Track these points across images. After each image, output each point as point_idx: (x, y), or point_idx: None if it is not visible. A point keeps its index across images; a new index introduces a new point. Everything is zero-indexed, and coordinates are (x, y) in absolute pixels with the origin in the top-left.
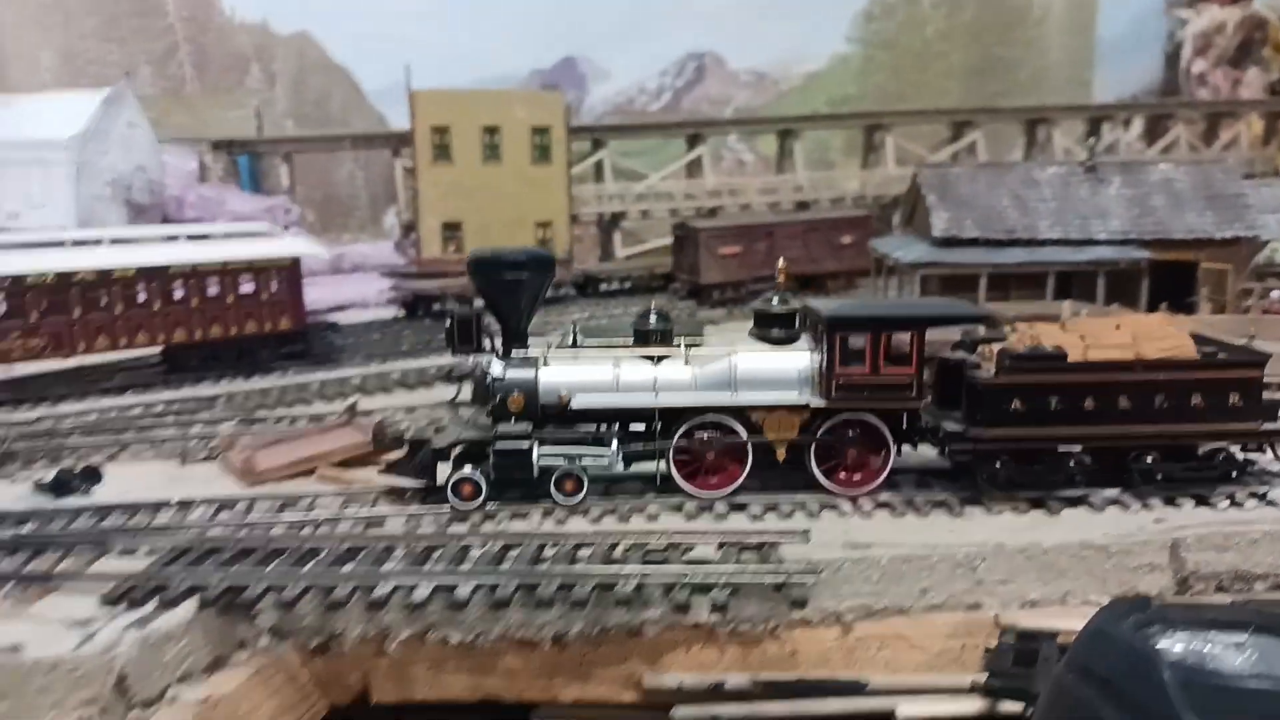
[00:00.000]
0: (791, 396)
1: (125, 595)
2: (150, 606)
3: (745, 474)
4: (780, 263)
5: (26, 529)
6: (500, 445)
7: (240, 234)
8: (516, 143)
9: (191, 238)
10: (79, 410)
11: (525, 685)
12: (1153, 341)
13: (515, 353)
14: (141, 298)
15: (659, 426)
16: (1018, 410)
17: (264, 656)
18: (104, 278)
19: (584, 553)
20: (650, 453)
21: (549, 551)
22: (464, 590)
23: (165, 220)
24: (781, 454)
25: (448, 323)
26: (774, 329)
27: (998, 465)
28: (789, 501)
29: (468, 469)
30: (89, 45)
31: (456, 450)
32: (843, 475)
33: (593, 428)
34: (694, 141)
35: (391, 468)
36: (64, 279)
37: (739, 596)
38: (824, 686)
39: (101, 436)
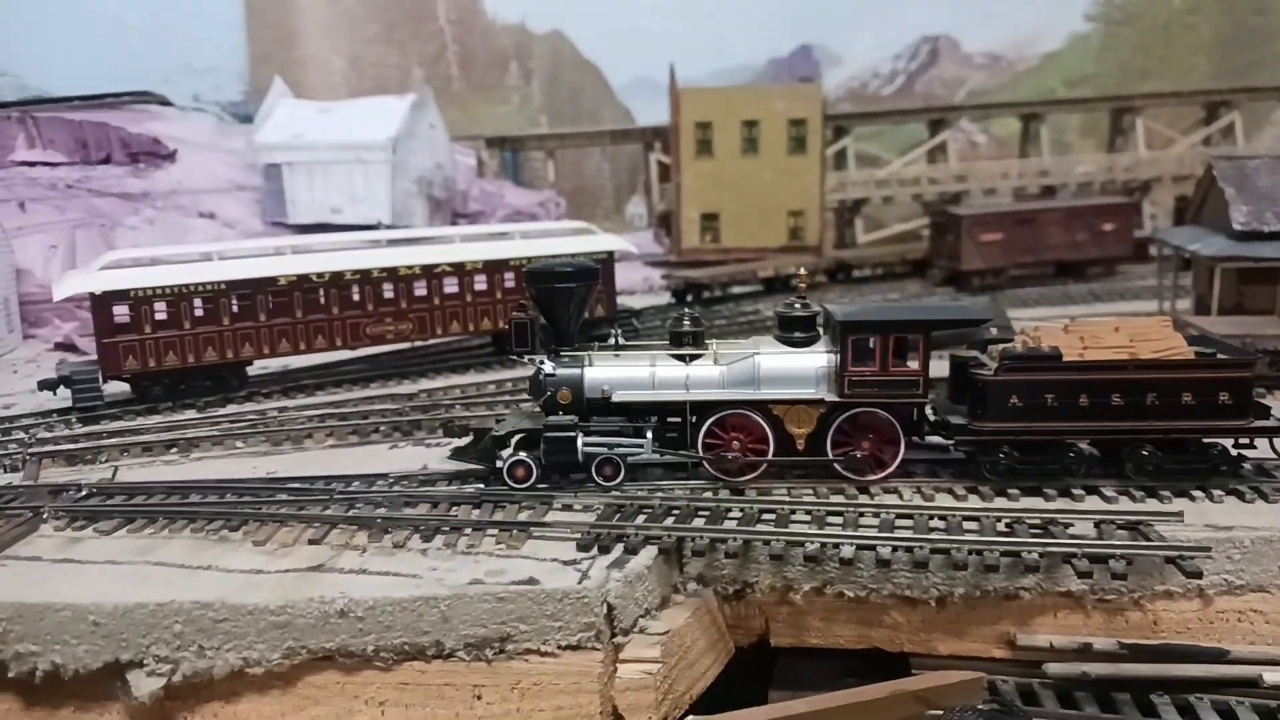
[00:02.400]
0: (809, 392)
1: (594, 542)
2: (617, 552)
3: (767, 464)
4: (801, 270)
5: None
6: (549, 434)
7: (562, 231)
8: (774, 135)
9: (524, 235)
10: (440, 386)
11: (907, 638)
12: (1148, 343)
13: (564, 353)
14: (483, 288)
15: (692, 420)
16: (1016, 405)
17: (694, 600)
18: (457, 269)
19: (970, 525)
20: (682, 443)
21: (936, 523)
22: (883, 551)
23: (454, 214)
24: (801, 445)
25: (506, 327)
26: (795, 331)
27: (1000, 456)
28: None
29: (522, 453)
30: (372, 50)
31: (516, 439)
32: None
33: (632, 419)
34: (936, 126)
35: (458, 453)
36: (427, 270)
37: (1133, 568)
38: (1187, 652)
39: (480, 409)
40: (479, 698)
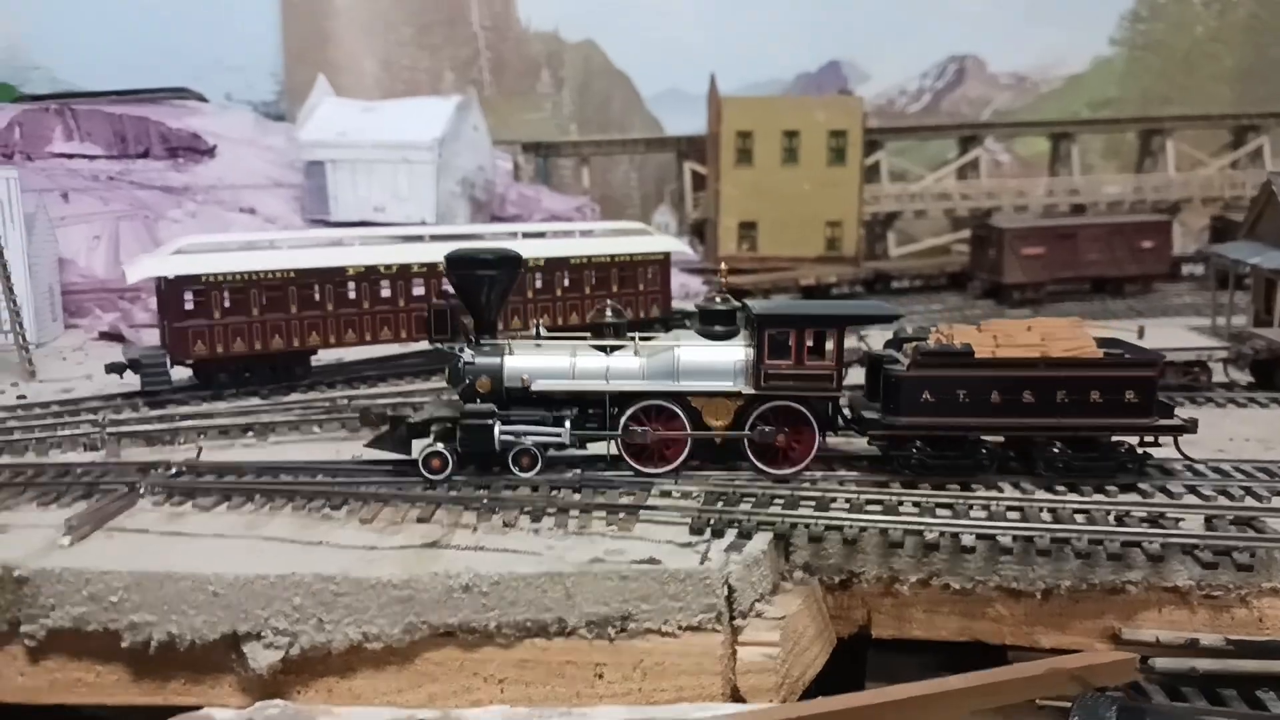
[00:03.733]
0: (726, 385)
1: (707, 526)
2: (730, 537)
3: (685, 456)
4: (722, 265)
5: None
6: (465, 422)
7: (619, 231)
8: (814, 146)
9: (583, 233)
10: None
11: (1009, 631)
12: (1059, 342)
13: (484, 341)
14: (538, 284)
15: (613, 411)
16: (928, 401)
17: (802, 588)
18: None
19: (1080, 518)
20: (601, 434)
21: (1045, 515)
22: (1004, 540)
23: (493, 217)
24: (719, 438)
25: (426, 315)
26: (716, 325)
27: (913, 451)
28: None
29: (438, 445)
30: (405, 53)
31: (435, 428)
32: (771, 457)
33: (552, 411)
34: (967, 143)
35: (374, 442)
36: None
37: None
38: None
39: None
40: (600, 676)
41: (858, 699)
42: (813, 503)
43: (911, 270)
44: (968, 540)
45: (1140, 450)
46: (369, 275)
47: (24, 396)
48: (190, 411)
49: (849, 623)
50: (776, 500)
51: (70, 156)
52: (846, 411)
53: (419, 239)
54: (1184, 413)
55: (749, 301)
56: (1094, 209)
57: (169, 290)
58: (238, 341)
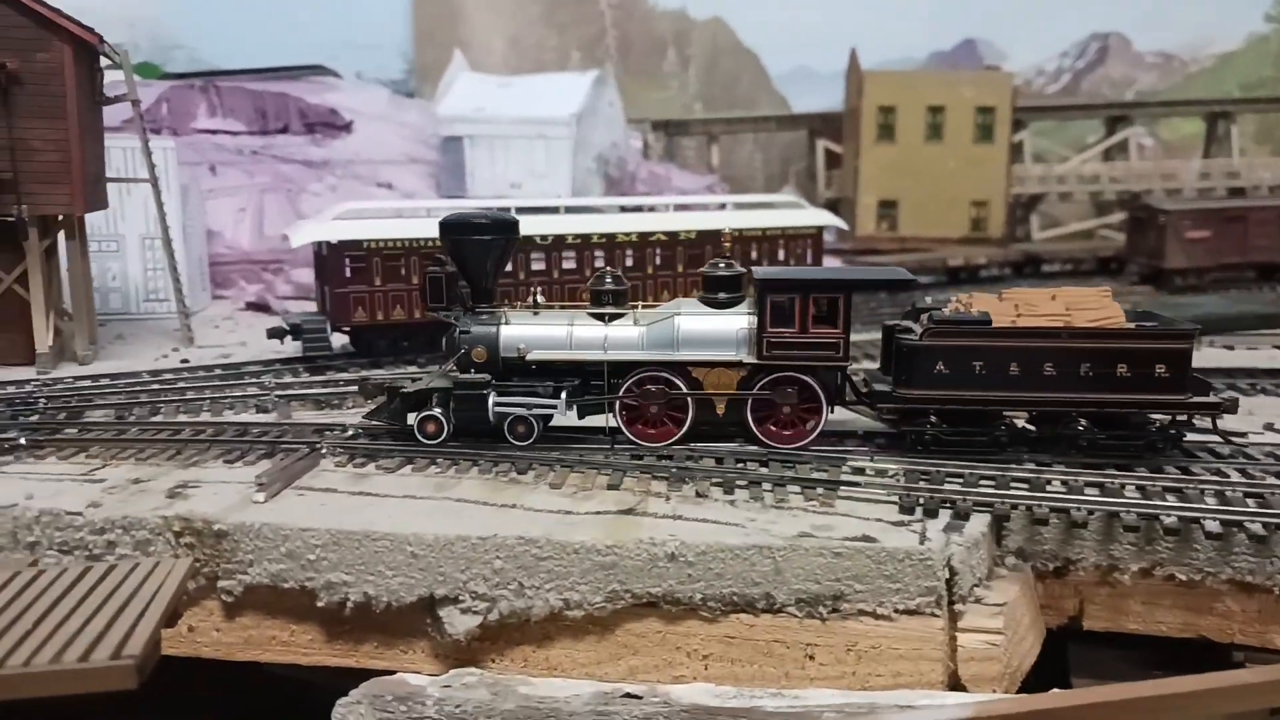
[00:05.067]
0: (728, 354)
1: (918, 505)
2: (944, 518)
3: (686, 428)
4: (725, 229)
5: None
6: (459, 392)
7: (775, 204)
8: (960, 122)
9: (738, 206)
10: None
11: (1239, 629)
12: (1085, 312)
13: (481, 310)
14: (690, 258)
15: (612, 382)
16: (942, 373)
17: (1017, 574)
18: (672, 238)
19: None
20: (600, 405)
21: None
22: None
23: (623, 194)
24: (721, 409)
25: (422, 283)
26: (718, 292)
27: (926, 425)
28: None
29: (436, 410)
30: (533, 31)
31: (429, 398)
32: (775, 430)
33: (551, 381)
34: (1114, 124)
35: (373, 414)
36: (643, 237)
37: None
38: None
39: None
40: (811, 658)
41: (1090, 695)
42: (1025, 484)
43: (1062, 253)
44: (1212, 527)
45: (1172, 430)
46: (524, 246)
47: (186, 360)
48: (351, 378)
49: (1059, 613)
50: (984, 481)
51: (214, 132)
52: (861, 384)
53: (577, 210)
54: None
55: (757, 269)
56: (1254, 193)
57: (330, 256)
58: (397, 309)
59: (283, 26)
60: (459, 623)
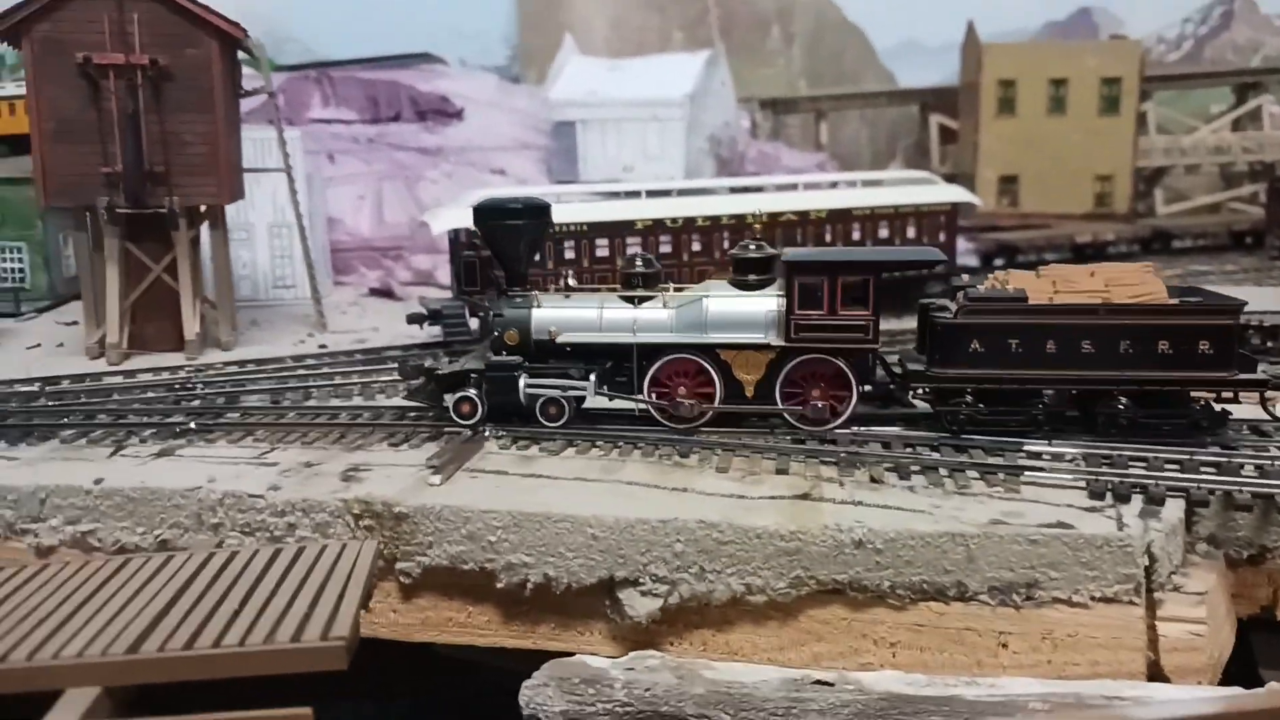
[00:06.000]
0: (757, 337)
1: (1108, 490)
2: (1137, 503)
3: (715, 410)
4: (756, 210)
5: None
6: (490, 374)
7: (907, 180)
8: (1084, 94)
9: (865, 183)
10: None
11: None
12: (1125, 288)
13: (513, 293)
14: (828, 237)
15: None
16: (977, 351)
17: (1210, 561)
18: (803, 217)
19: None
20: (629, 387)
21: None
22: None
23: (733, 175)
24: (750, 391)
25: (456, 267)
26: (748, 274)
27: (963, 405)
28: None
29: (470, 390)
30: (635, 13)
31: (463, 379)
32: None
33: (582, 363)
34: (1244, 92)
35: (413, 395)
36: (773, 218)
37: None
38: None
39: None
40: (1004, 646)
41: None
42: (1214, 468)
43: (1194, 228)
44: None
45: (1219, 407)
46: (655, 230)
47: (324, 346)
48: None
49: (1251, 602)
50: (1169, 465)
51: (329, 122)
52: (895, 365)
53: (705, 192)
54: None
55: (787, 250)
56: None
57: (468, 242)
58: None
59: (388, 15)
60: (639, 605)
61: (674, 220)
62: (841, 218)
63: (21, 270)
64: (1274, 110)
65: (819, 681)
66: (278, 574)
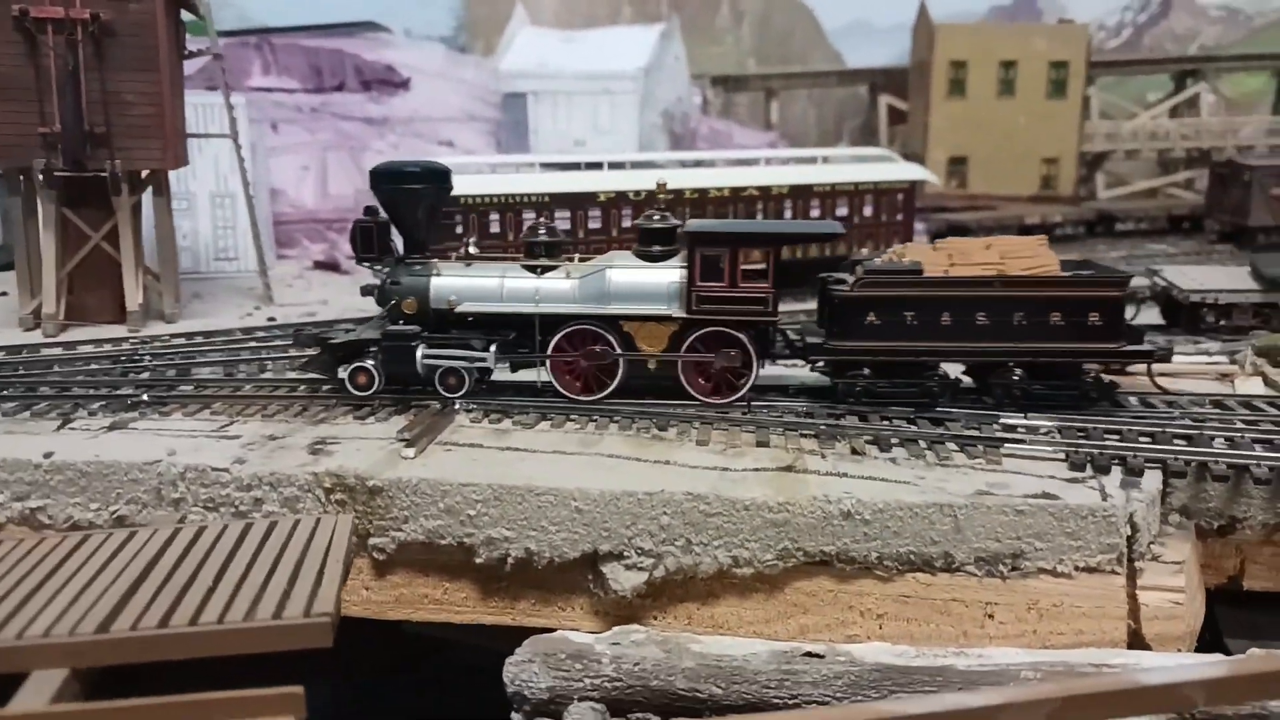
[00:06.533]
0: (659, 308)
1: (1088, 461)
2: (1116, 474)
3: (617, 383)
4: (659, 181)
5: None
6: (387, 343)
7: (865, 158)
8: (1033, 77)
9: (824, 160)
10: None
11: None
12: (1019, 260)
13: (412, 260)
14: (787, 213)
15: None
16: (874, 323)
17: (1182, 531)
18: (764, 192)
19: None
20: (530, 358)
21: None
22: None
23: (685, 151)
24: (653, 364)
25: (351, 233)
26: (653, 245)
27: (860, 377)
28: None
29: (368, 362)
30: None
31: (357, 349)
32: (704, 384)
33: (483, 333)
34: (1182, 80)
35: (307, 365)
36: (735, 192)
37: None
38: None
39: None
40: (991, 616)
41: None
42: (1185, 440)
43: (1136, 211)
44: None
45: (1107, 378)
46: (617, 203)
47: (273, 319)
48: None
49: (1218, 573)
50: (1143, 437)
51: (270, 90)
52: (796, 338)
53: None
54: None
55: (689, 221)
56: None
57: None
58: None
59: None
60: (624, 579)
61: (636, 193)
62: (802, 193)
63: None
64: (1210, 98)
65: (809, 654)
66: (250, 550)
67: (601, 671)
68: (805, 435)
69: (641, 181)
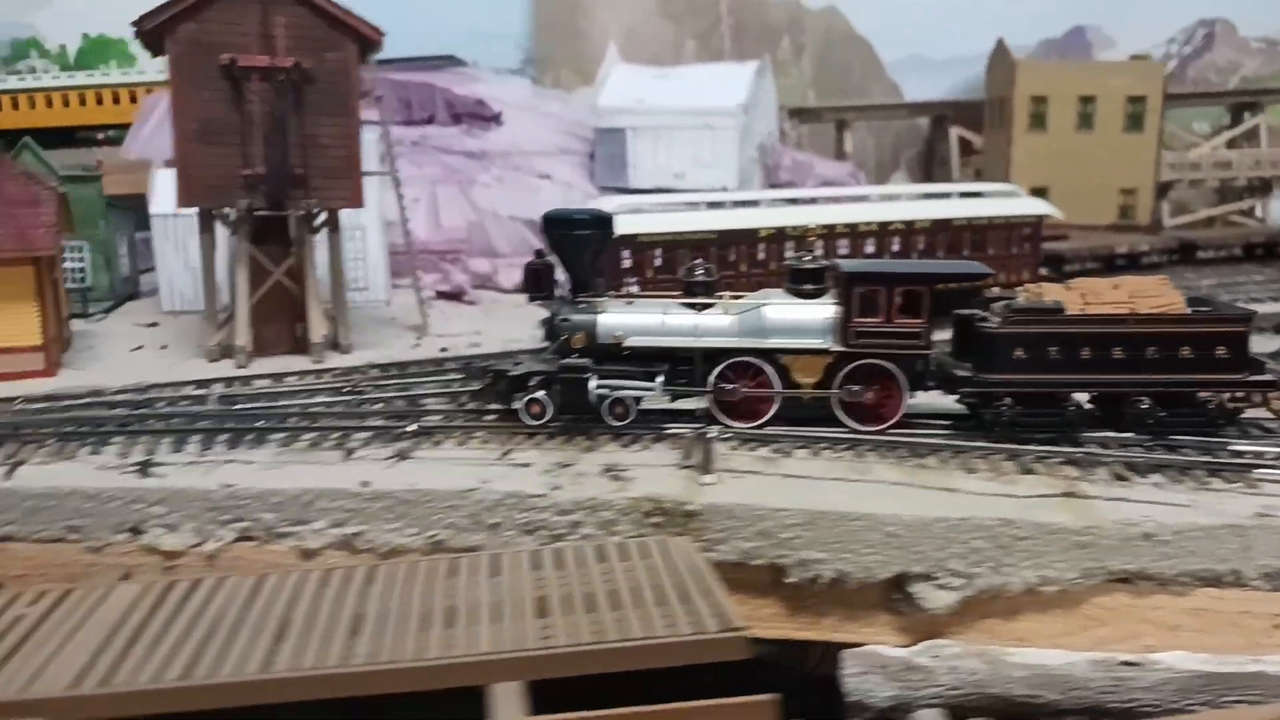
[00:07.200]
0: (815, 342)
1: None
2: None
3: (773, 412)
4: (810, 223)
5: None
6: (564, 375)
7: (992, 192)
8: (1111, 111)
9: (963, 195)
10: None
11: None
12: (1147, 299)
13: (580, 299)
14: (922, 245)
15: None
16: (1020, 358)
17: None
18: (909, 226)
19: None
20: (692, 389)
21: None
22: None
23: (772, 184)
24: (807, 396)
25: (524, 274)
26: (803, 283)
27: (1003, 408)
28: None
29: (540, 393)
30: (649, 22)
31: (533, 381)
32: (856, 413)
33: (644, 366)
34: (1239, 111)
35: (476, 395)
36: (883, 226)
37: None
38: None
39: None
40: (1277, 627)
41: None
42: None
43: (1216, 240)
44: None
45: (1231, 406)
46: (777, 238)
47: (445, 349)
48: None
49: None
50: None
51: (373, 124)
52: (933, 369)
53: (807, 201)
54: None
55: (840, 261)
56: None
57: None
58: None
59: (408, 18)
60: (934, 598)
61: (794, 229)
62: (943, 227)
63: (82, 270)
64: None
65: (1125, 662)
66: (623, 570)
67: (940, 680)
68: (1060, 463)
69: (797, 218)
